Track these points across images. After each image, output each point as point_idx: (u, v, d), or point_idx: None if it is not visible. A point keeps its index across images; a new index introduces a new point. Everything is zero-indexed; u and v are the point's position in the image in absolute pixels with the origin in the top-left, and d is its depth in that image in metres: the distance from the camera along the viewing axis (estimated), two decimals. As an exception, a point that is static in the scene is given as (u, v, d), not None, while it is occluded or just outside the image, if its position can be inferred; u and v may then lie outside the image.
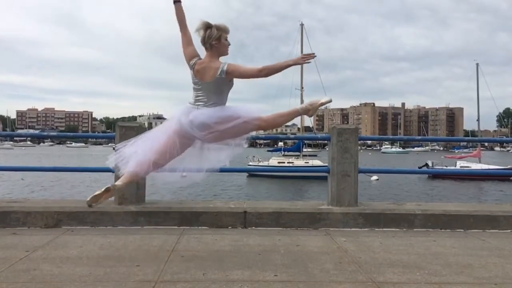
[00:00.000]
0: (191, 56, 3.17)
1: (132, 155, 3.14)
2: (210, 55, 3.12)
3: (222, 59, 3.16)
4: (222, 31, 3.09)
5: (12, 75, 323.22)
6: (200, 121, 3.03)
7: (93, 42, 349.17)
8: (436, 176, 29.95)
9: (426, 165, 33.59)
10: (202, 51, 3.20)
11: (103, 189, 3.02)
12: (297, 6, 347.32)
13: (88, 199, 3.01)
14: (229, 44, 3.17)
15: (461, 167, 32.00)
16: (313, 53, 2.89)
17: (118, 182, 3.16)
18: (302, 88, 37.62)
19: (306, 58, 2.93)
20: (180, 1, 3.22)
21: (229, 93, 3.19)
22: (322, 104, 3.14)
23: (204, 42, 3.11)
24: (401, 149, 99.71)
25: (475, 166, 31.05)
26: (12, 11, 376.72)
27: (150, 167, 3.13)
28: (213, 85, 3.07)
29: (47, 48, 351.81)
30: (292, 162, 33.12)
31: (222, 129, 3.04)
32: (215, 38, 3.07)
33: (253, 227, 4.45)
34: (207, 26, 3.09)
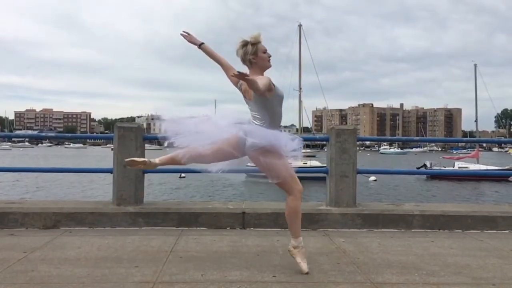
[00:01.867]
0: (237, 80, 3.10)
1: (186, 140, 3.03)
2: (252, 72, 3.02)
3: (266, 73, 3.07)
4: (257, 44, 3.01)
5: (11, 76, 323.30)
6: (252, 138, 2.92)
7: (93, 43, 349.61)
8: (434, 176, 29.96)
9: (424, 165, 33.62)
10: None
11: (141, 160, 3.08)
12: (296, 7, 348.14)
13: (127, 160, 3.12)
14: (269, 56, 3.07)
15: (459, 167, 32.04)
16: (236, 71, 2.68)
17: (156, 160, 3.12)
18: (300, 89, 37.66)
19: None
20: (203, 43, 3.26)
21: (281, 105, 3.07)
22: (297, 264, 3.00)
23: (244, 60, 3.05)
24: (399, 150, 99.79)
25: (473, 166, 31.12)
26: (11, 12, 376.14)
27: (194, 158, 3.04)
28: (257, 102, 2.97)
29: (47, 49, 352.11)
30: (290, 163, 32.98)
31: (265, 159, 2.94)
32: (251, 53, 3.00)
33: (252, 228, 4.45)
34: (243, 44, 3.02)
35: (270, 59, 3.09)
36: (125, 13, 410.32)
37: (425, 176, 30.59)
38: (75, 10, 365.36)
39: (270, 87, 2.91)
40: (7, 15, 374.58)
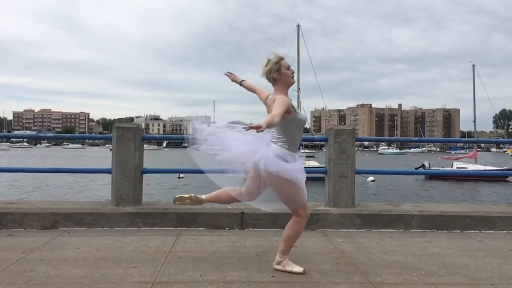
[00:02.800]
0: (265, 97, 3.15)
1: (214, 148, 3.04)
2: (276, 90, 3.07)
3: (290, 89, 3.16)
4: (279, 60, 3.03)
5: (9, 76, 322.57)
6: (264, 164, 2.92)
7: (92, 43, 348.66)
8: (433, 177, 30.00)
9: (423, 166, 33.67)
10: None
11: (188, 195, 3.26)
12: (295, 8, 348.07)
13: (177, 196, 3.27)
14: (293, 72, 3.09)
15: (457, 168, 32.07)
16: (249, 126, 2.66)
17: (202, 196, 3.24)
18: (299, 89, 37.64)
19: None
20: (244, 80, 3.42)
21: (301, 129, 3.10)
22: (292, 272, 3.02)
23: (268, 79, 3.07)
24: (398, 150, 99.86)
25: (471, 167, 31.14)
26: (10, 12, 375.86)
27: (234, 197, 3.19)
28: None
29: (46, 49, 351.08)
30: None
31: (279, 185, 2.95)
32: (275, 70, 3.02)
33: (250, 228, 4.46)
34: (267, 64, 3.05)
35: (293, 75, 3.10)
36: (124, 13, 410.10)
37: (424, 176, 30.63)
38: (74, 11, 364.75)
39: (289, 110, 2.91)
40: (7, 15, 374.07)
